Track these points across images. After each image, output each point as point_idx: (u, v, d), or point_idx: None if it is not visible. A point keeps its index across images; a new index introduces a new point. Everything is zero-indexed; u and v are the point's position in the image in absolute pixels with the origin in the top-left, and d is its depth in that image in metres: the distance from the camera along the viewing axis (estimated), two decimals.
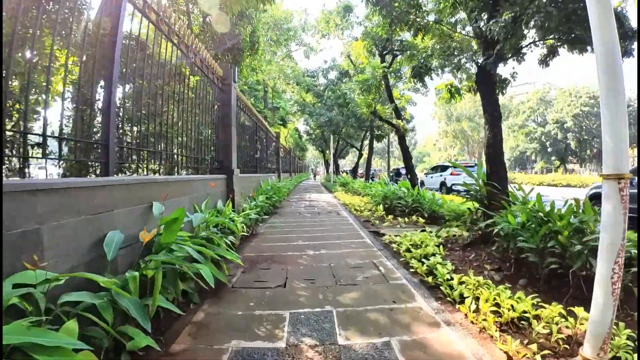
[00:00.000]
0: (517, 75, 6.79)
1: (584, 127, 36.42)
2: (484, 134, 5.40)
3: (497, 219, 3.94)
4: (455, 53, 6.16)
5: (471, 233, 4.99)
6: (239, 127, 6.92)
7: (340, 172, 32.83)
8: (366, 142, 21.20)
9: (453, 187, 15.50)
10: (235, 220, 4.78)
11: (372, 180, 18.30)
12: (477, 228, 4.85)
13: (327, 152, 40.41)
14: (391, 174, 25.47)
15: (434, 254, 4.18)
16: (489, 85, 5.51)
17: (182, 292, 2.72)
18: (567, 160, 41.79)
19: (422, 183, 18.21)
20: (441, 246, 4.52)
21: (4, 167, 2.77)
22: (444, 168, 17.46)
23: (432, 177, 18.18)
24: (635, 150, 29.54)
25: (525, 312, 2.74)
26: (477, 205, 5.06)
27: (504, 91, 6.38)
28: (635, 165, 7.67)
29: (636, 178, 6.25)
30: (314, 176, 49.78)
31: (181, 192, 3.58)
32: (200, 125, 4.81)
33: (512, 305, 2.80)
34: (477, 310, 2.78)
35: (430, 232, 5.60)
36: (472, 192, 5.12)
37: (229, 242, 4.06)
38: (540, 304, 2.79)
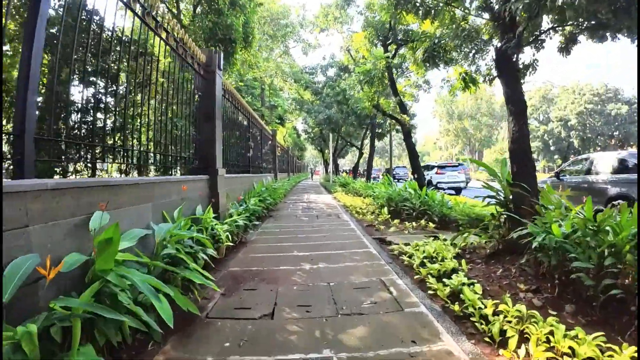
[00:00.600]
0: (538, 64, 6.10)
1: (587, 125, 35.76)
2: (507, 127, 4.69)
3: (533, 229, 3.24)
4: (472, 36, 5.45)
5: (495, 242, 4.28)
6: (226, 122, 6.22)
7: (340, 172, 32.21)
8: (366, 140, 20.47)
9: (438, 185, 16.95)
10: (218, 229, 4.07)
11: (374, 180, 17.70)
12: (502, 237, 4.15)
13: (327, 151, 39.72)
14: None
15: (455, 271, 3.48)
16: (510, 73, 4.81)
17: (145, 322, 2.01)
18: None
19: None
20: (462, 260, 3.81)
21: None
22: (429, 167, 18.90)
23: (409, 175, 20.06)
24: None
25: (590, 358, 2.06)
26: (500, 209, 4.36)
27: (524, 80, 5.69)
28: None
29: None
30: (311, 175, 49.10)
31: (141, 197, 2.86)
32: (174, 116, 4.09)
33: (571, 349, 2.11)
34: (527, 356, 2.09)
35: (445, 240, 4.90)
36: (495, 196, 4.41)
37: (206, 257, 3.35)
38: (607, 345, 2.11)
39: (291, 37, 26.66)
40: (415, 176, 8.12)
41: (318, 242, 5.30)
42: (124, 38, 3.13)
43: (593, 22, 5.05)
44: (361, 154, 21.06)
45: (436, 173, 17.91)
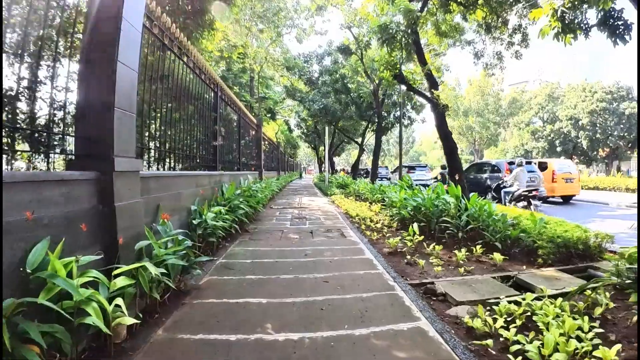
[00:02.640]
0: None
1: (598, 125, 33.84)
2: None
3: None
4: None
5: None
6: (157, 76, 3.75)
7: (338, 171, 30.10)
8: (368, 135, 18.02)
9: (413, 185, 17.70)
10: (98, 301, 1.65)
11: (381, 180, 15.47)
12: None
13: (321, 148, 37.12)
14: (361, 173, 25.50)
15: None
16: None
17: None
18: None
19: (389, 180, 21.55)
20: None
21: None
22: (410, 168, 21.75)
23: (395, 174, 21.18)
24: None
25: None
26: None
27: None
28: None
29: None
30: (301, 175, 46.79)
31: None
32: None
33: None
34: None
35: (565, 293, 2.54)
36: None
37: None
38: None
39: (283, 23, 24.18)
40: (456, 178, 5.65)
41: (315, 297, 2.90)
42: None
43: None
44: (362, 150, 18.55)
45: (407, 172, 20.18)
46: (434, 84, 6.24)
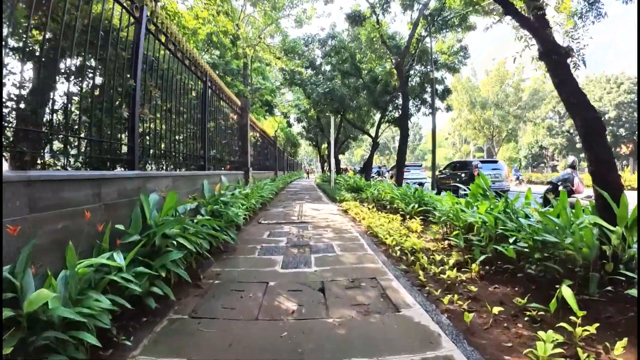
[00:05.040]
0: None
1: (623, 119, 30.97)
2: None
3: None
4: None
5: None
6: None
7: (345, 170, 27.54)
8: (383, 126, 14.96)
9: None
10: None
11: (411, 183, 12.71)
12: None
13: (323, 145, 34.12)
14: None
15: None
16: None
17: None
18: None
19: (386, 177, 22.30)
20: None
21: None
22: (406, 167, 23.73)
23: (391, 172, 22.24)
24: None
25: None
26: None
27: None
28: None
29: None
30: (308, 175, 44.04)
31: None
32: None
33: None
34: None
35: None
36: None
37: None
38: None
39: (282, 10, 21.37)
40: (608, 181, 2.83)
41: None
42: None
43: None
44: (376, 144, 15.50)
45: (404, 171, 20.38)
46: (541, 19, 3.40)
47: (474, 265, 3.25)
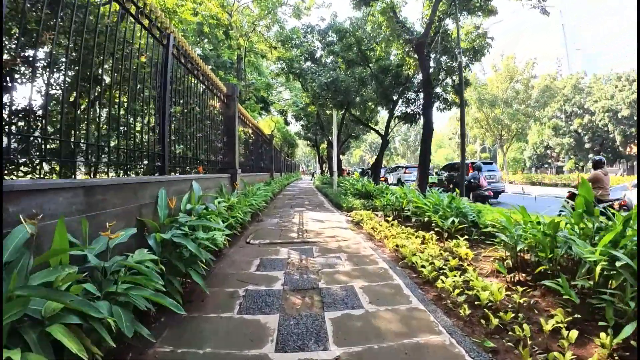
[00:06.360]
0: None
1: (635, 118, 29.60)
2: None
3: None
4: None
5: None
6: None
7: (350, 173, 26.11)
8: (392, 123, 13.26)
9: (405, 182, 17.79)
10: None
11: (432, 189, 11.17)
12: None
13: (322, 145, 32.45)
14: (368, 173, 21.53)
15: None
16: None
17: None
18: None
19: (386, 180, 23.51)
20: None
21: None
22: (399, 168, 24.51)
23: (391, 174, 24.34)
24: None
25: None
26: None
27: None
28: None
29: None
30: (313, 175, 42.37)
31: None
32: None
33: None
34: None
35: None
36: None
37: None
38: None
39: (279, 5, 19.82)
40: None
41: None
42: None
43: None
44: (386, 142, 13.77)
45: (404, 172, 21.81)
46: None
47: (603, 338, 1.71)
